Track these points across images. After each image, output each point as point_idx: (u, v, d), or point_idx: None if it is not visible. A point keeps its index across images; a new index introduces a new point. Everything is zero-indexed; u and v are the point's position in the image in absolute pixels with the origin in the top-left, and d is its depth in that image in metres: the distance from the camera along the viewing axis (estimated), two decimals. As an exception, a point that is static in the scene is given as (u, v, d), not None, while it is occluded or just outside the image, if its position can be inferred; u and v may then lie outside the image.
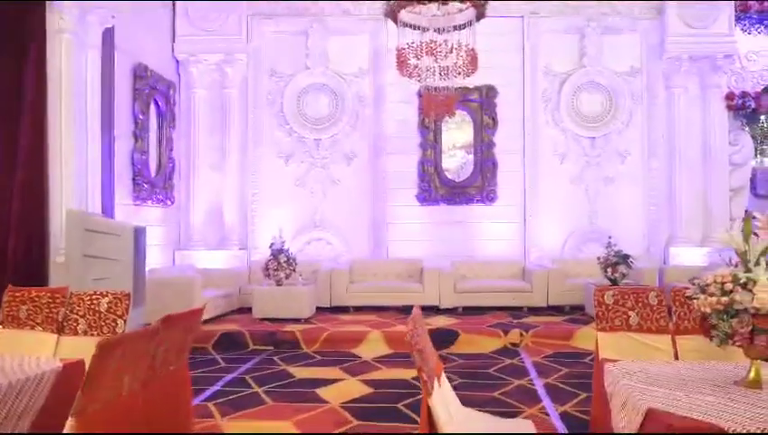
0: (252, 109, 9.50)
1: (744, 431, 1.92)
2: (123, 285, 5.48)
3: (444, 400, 2.44)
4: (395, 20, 6.55)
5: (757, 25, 9.53)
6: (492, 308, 8.22)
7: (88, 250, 5.42)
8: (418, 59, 6.46)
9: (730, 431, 1.92)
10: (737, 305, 2.35)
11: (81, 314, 3.48)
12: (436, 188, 9.48)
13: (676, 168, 9.40)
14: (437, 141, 9.51)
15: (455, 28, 6.80)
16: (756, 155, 10.79)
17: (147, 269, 7.44)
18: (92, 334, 3.41)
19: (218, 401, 4.59)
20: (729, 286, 2.36)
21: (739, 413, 2.07)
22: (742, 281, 2.36)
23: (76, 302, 3.52)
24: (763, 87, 9.72)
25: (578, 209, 9.51)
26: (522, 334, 6.69)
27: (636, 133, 9.57)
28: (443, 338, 6.59)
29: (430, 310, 8.21)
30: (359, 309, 8.31)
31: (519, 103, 9.55)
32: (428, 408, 2.30)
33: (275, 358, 6.12)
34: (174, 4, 9.22)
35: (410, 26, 6.68)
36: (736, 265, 2.50)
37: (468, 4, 6.35)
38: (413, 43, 6.44)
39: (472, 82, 9.31)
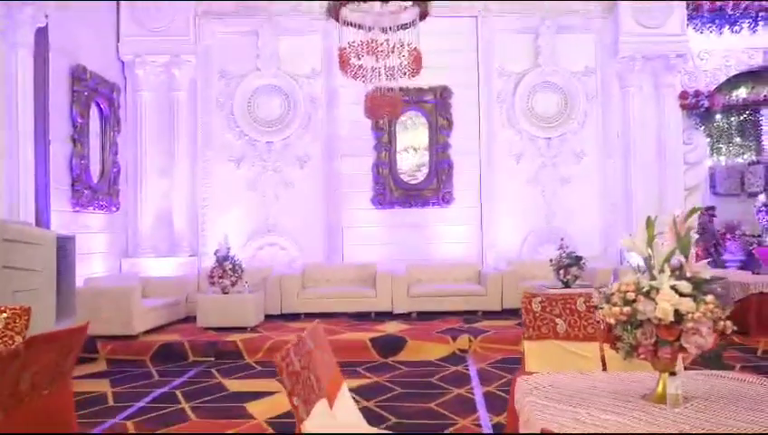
0: (201, 111, 9.24)
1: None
2: (46, 297, 5.22)
3: (329, 424, 2.25)
4: (337, 18, 6.37)
5: (709, 25, 9.55)
6: (446, 313, 8.07)
7: (8, 261, 5.13)
8: (359, 58, 6.29)
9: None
10: (640, 316, 2.21)
11: (-28, 331, 3.22)
12: (392, 190, 9.32)
13: (631, 167, 9.37)
14: (392, 143, 9.35)
15: (401, 27, 6.65)
16: (712, 154, 10.87)
17: (84, 279, 7.19)
18: (-16, 354, 3.15)
19: (138, 418, 4.36)
20: (631, 296, 2.22)
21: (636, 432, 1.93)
22: (644, 289, 2.22)
23: (-32, 319, 3.26)
24: (716, 86, 9.76)
25: (535, 210, 9.42)
26: (470, 340, 6.54)
27: (591, 133, 9.53)
28: (390, 345, 6.42)
29: (384, 315, 8.05)
30: (310, 316, 8.09)
31: (474, 104, 9.43)
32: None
33: (214, 370, 5.88)
34: (118, 4, 8.92)
35: (354, 25, 6.52)
36: (644, 272, 2.36)
37: (411, 2, 6.19)
38: (354, 42, 6.27)
39: (426, 82, 9.31)
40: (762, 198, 13.12)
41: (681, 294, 2.20)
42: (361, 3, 6.25)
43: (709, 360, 2.26)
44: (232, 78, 9.26)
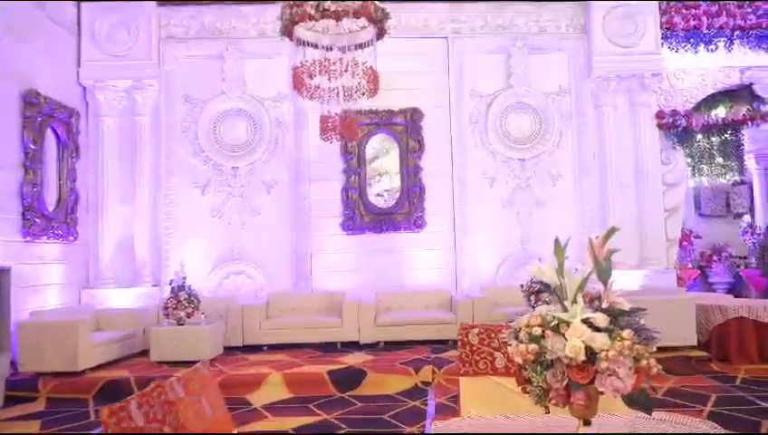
0: (165, 137, 8.98)
1: None
2: (-30, 333, 4.88)
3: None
4: (291, 38, 6.15)
5: (684, 44, 9.36)
6: (416, 342, 7.73)
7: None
8: (311, 78, 6.05)
9: None
10: (550, 354, 1.90)
11: None
12: (362, 215, 9.03)
13: (608, 189, 9.11)
14: (361, 167, 9.09)
15: (358, 47, 6.43)
16: (694, 174, 10.64)
17: (30, 312, 6.86)
18: None
19: (54, 466, 4.00)
20: (538, 331, 1.91)
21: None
22: (552, 324, 1.92)
23: None
24: (693, 105, 9.57)
25: (510, 234, 9.12)
26: (434, 372, 6.20)
27: (567, 154, 9.28)
28: (348, 379, 6.08)
29: (350, 346, 7.70)
30: (274, 347, 7.75)
31: (446, 126, 9.20)
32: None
33: (157, 408, 5.51)
34: (80, 27, 8.72)
35: (311, 45, 6.30)
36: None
37: (365, 21, 5.97)
38: (306, 61, 6.04)
39: (397, 104, 9.11)
40: (747, 218, 12.91)
41: (597, 329, 1.90)
42: (315, 22, 6.02)
43: (634, 401, 1.94)
44: (196, 102, 9.02)
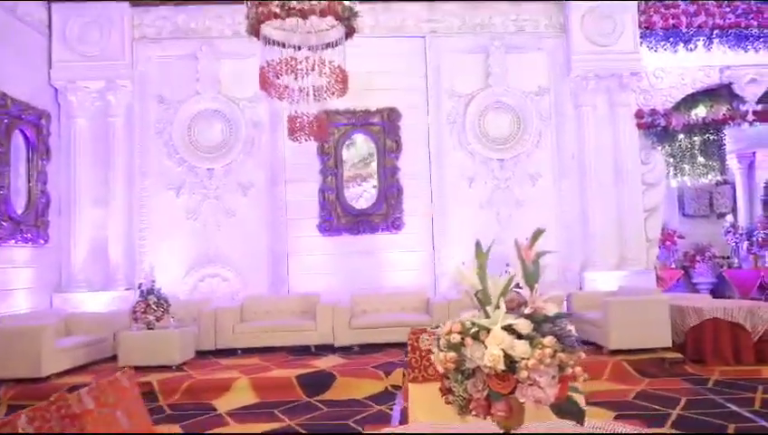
0: (138, 138, 8.86)
1: None
2: None
3: None
4: (257, 36, 6.04)
5: (663, 43, 9.31)
6: (392, 345, 7.63)
7: None
8: (278, 77, 5.95)
9: None
10: (470, 363, 1.81)
11: None
12: (339, 217, 8.93)
13: (587, 189, 9.04)
14: (338, 168, 8.99)
15: (328, 46, 6.33)
16: (676, 174, 10.61)
17: (-5, 317, 6.72)
18: None
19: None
20: (456, 338, 1.82)
21: None
22: (472, 331, 1.82)
23: None
24: (673, 104, 9.52)
25: (489, 235, 8.97)
26: (405, 375, 6.09)
27: (546, 154, 9.21)
28: (317, 383, 5.98)
29: (325, 349, 7.60)
30: (248, 351, 7.64)
31: (424, 126, 9.12)
32: None
33: (119, 415, 5.39)
34: (51, 28, 8.59)
35: (279, 44, 6.19)
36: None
37: (332, 18, 5.87)
38: (273, 60, 5.94)
39: (374, 104, 9.02)
40: (729, 218, 12.88)
41: (520, 336, 1.81)
42: (282, 21, 5.91)
43: (563, 411, 1.85)
44: (170, 103, 8.90)
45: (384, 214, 8.96)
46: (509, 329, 1.82)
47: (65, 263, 8.58)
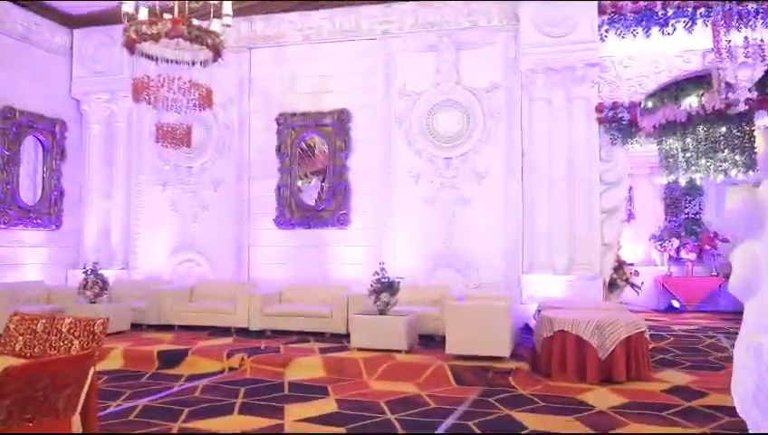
0: (135, 141, 10.39)
1: None
2: None
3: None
4: (132, 51, 6.98)
5: (632, 28, 8.48)
6: (300, 332, 8.23)
7: None
8: (149, 92, 6.84)
9: None
10: None
11: None
12: (292, 212, 9.63)
13: (536, 187, 8.66)
14: (293, 166, 9.67)
15: (202, 63, 7.13)
16: (688, 169, 9.64)
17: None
18: None
19: None
20: None
21: None
22: None
23: None
24: (644, 95, 8.67)
25: (433, 233, 9.10)
26: (243, 359, 6.71)
27: (495, 152, 8.98)
28: (172, 359, 6.84)
29: (241, 332, 8.41)
30: (185, 328, 8.73)
31: (374, 126, 9.41)
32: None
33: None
34: (72, 51, 10.44)
35: (153, 58, 7.11)
36: None
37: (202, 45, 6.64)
38: (144, 77, 6.85)
39: (327, 106, 9.55)
40: None
41: None
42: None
43: None
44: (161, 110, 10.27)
45: (333, 210, 9.46)
46: None
47: (81, 245, 10.43)
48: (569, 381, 6.00)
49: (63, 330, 3.75)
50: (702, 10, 8.30)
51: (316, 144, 9.66)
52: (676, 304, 11.50)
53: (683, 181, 10.15)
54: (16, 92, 9.46)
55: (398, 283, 7.29)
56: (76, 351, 3.59)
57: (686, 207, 12.20)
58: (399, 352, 6.85)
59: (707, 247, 11.49)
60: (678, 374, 6.37)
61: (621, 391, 5.69)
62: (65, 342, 3.68)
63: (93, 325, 3.72)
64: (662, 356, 7.36)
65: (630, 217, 12.09)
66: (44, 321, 3.90)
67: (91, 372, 3.21)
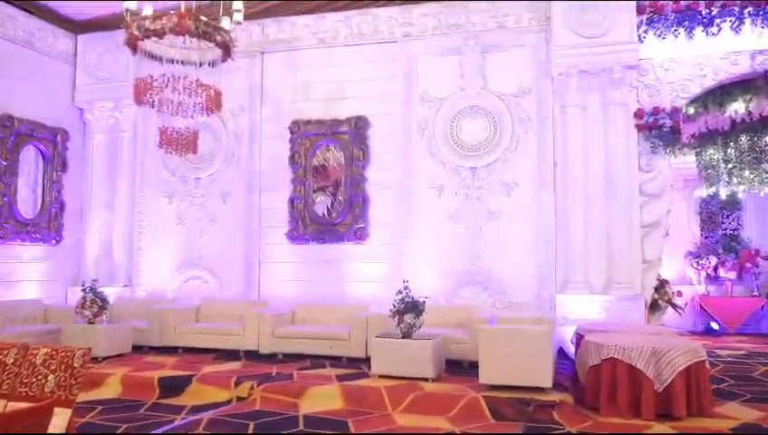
0: (140, 151, 9.83)
1: None
2: None
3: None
4: (134, 49, 6.43)
5: (674, 28, 7.87)
6: (315, 356, 7.55)
7: None
8: (154, 92, 6.29)
9: None
10: None
11: None
12: (306, 225, 9.00)
13: (571, 200, 8.00)
14: (307, 177, 9.06)
15: (210, 64, 6.57)
16: (729, 181, 9.00)
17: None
18: None
19: None
20: None
21: None
22: None
23: None
24: (687, 100, 8.01)
25: (457, 249, 8.43)
26: (252, 387, 6.04)
27: (525, 161, 8.33)
28: (174, 386, 6.18)
29: (251, 355, 7.75)
30: (190, 350, 8.09)
31: (394, 134, 8.80)
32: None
33: None
34: (75, 57, 9.93)
35: (158, 58, 6.56)
36: None
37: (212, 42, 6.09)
38: (147, 77, 6.30)
39: (344, 113, 8.96)
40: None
41: None
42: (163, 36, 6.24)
43: None
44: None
45: (349, 224, 8.82)
46: None
47: (81, 260, 9.83)
48: (621, 416, 5.27)
49: (37, 362, 3.11)
50: (750, 9, 7.69)
51: (332, 154, 9.03)
52: (715, 326, 10.70)
53: (723, 194, 9.47)
54: (16, 100, 8.93)
55: (424, 302, 6.60)
56: (50, 388, 2.95)
57: (723, 223, 11.45)
58: (426, 380, 6.16)
59: (748, 265, 10.72)
60: (743, 409, 5.62)
61: (684, 429, 4.97)
62: (38, 377, 3.04)
63: (72, 357, 3.08)
64: (715, 386, 6.59)
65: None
66: (15, 351, 3.26)
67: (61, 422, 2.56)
